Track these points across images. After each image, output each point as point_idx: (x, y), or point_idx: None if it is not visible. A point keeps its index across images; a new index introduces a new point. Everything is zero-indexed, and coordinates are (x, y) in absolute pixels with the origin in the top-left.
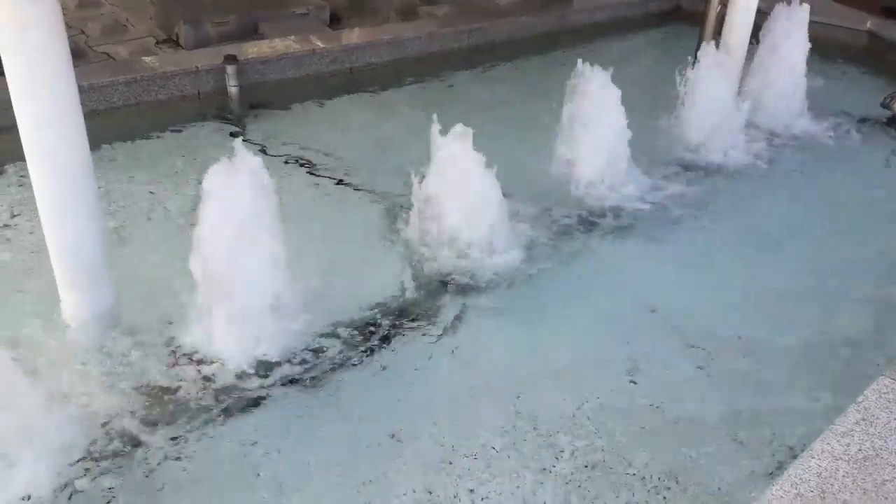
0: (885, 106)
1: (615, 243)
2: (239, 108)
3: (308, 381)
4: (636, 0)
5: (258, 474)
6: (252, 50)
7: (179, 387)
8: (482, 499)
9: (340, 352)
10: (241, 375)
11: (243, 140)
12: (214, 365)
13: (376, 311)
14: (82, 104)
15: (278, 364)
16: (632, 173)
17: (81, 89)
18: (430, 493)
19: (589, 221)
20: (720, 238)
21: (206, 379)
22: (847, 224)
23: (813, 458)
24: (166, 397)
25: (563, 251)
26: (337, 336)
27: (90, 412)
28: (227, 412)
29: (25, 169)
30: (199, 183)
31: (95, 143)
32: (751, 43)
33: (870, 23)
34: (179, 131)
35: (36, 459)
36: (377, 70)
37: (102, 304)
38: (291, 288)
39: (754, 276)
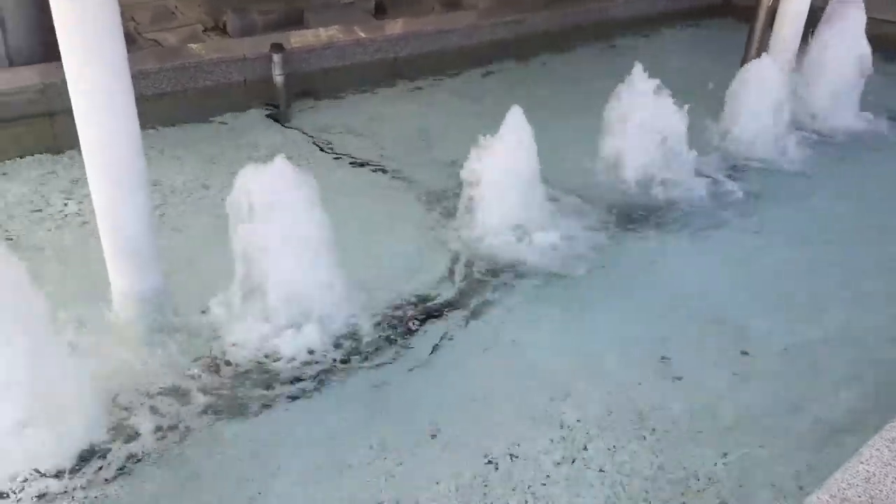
0: None
1: (661, 238)
2: (284, 97)
3: (342, 369)
4: None
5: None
6: (297, 39)
7: (219, 371)
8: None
9: (379, 338)
10: (279, 360)
11: (287, 128)
12: (253, 351)
13: (413, 299)
14: None
15: (316, 352)
16: (681, 169)
17: (131, 75)
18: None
19: (635, 215)
20: (768, 237)
21: (242, 365)
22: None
23: (862, 462)
24: (205, 380)
25: (609, 244)
26: (376, 323)
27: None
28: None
29: (78, 154)
30: (244, 169)
31: (142, 128)
32: (804, 38)
33: None
34: (225, 119)
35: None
36: (420, 60)
37: (150, 285)
38: (332, 275)
39: (804, 275)
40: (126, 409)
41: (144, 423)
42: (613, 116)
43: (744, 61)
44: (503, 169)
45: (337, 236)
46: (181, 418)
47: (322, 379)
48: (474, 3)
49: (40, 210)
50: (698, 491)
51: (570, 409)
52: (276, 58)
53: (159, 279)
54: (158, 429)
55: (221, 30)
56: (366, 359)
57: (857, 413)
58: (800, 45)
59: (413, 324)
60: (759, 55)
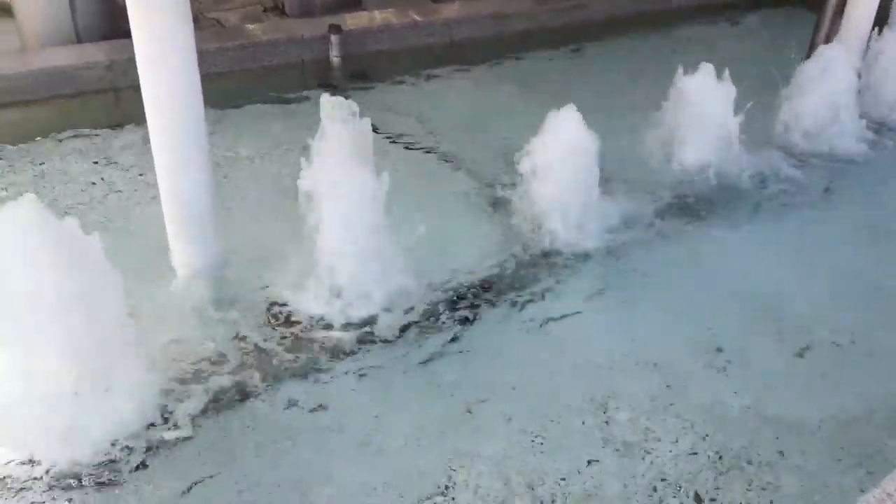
0: None
1: (718, 228)
2: (341, 78)
3: (397, 342)
4: None
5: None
6: (355, 21)
7: (277, 341)
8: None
9: (430, 317)
10: (332, 329)
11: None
12: (312, 322)
13: (466, 281)
14: None
15: (369, 324)
16: (741, 158)
17: None
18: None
19: (693, 204)
20: (830, 228)
21: (301, 335)
22: None
23: None
24: (263, 350)
25: (664, 233)
26: (428, 302)
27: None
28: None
29: (142, 128)
30: (301, 149)
31: None
32: (875, 27)
33: None
34: (283, 99)
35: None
36: (476, 44)
37: (210, 257)
38: (387, 255)
39: (865, 269)
40: (190, 373)
41: (199, 391)
42: (673, 105)
43: (811, 49)
44: (559, 155)
45: (390, 216)
46: (241, 382)
47: (371, 353)
48: None
49: (102, 183)
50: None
51: (611, 395)
52: (334, 39)
53: (219, 252)
54: (216, 397)
55: (280, 10)
56: (412, 335)
57: None
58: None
59: (461, 304)
60: (827, 43)
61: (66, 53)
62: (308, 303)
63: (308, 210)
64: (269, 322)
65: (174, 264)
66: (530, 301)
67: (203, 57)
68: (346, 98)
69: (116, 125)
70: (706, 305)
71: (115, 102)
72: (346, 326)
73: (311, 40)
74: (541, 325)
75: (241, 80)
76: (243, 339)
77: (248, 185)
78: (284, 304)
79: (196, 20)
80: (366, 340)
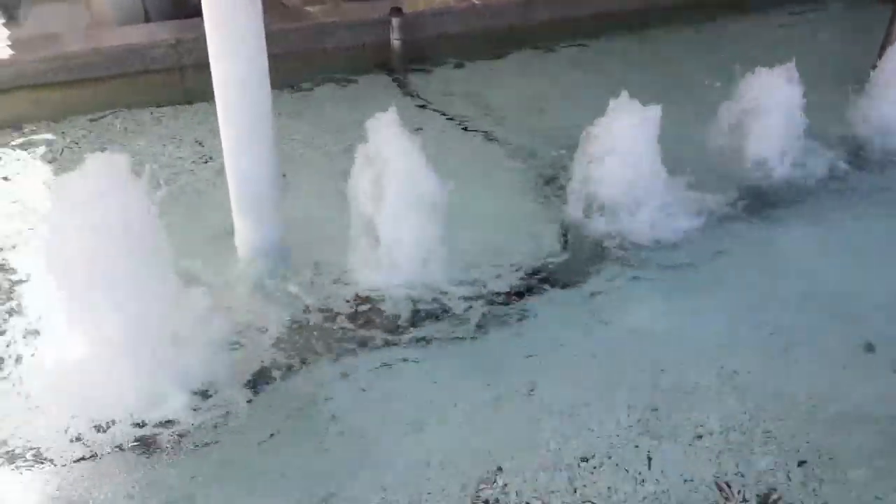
0: None
1: (785, 223)
2: (401, 61)
3: (454, 327)
4: None
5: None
6: (416, 3)
7: (338, 314)
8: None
9: (487, 302)
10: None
11: (403, 93)
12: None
13: (522, 267)
14: None
15: (427, 308)
16: (811, 153)
17: None
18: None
19: (759, 197)
20: None
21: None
22: None
23: None
24: (324, 322)
25: (728, 226)
26: (484, 287)
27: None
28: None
29: (207, 107)
30: (360, 132)
31: None
32: None
33: None
34: (343, 81)
35: None
36: (537, 28)
37: (272, 234)
38: (444, 239)
39: None
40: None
41: (260, 358)
42: (741, 96)
43: (885, 44)
44: (620, 142)
45: (444, 201)
46: (296, 354)
47: (430, 329)
48: None
49: (166, 158)
50: None
51: (663, 388)
52: (395, 21)
53: (281, 229)
54: (287, 366)
55: None
56: (470, 317)
57: None
58: None
59: (514, 290)
60: None
61: (134, 32)
62: (367, 279)
63: (366, 190)
64: (331, 296)
65: (237, 241)
66: (585, 290)
67: (266, 38)
68: (406, 80)
69: (182, 103)
70: (769, 301)
71: (182, 81)
72: (405, 303)
73: (372, 23)
74: (595, 315)
75: (302, 62)
76: (305, 311)
77: (306, 166)
78: (345, 280)
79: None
80: (425, 318)
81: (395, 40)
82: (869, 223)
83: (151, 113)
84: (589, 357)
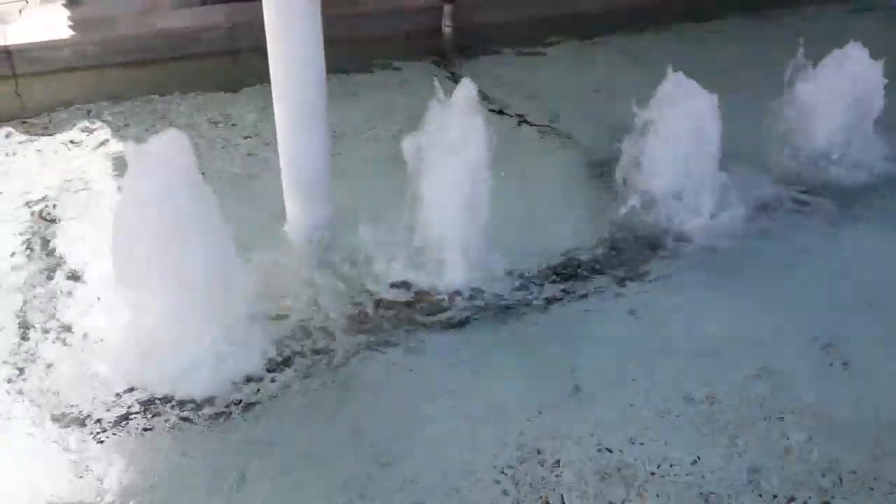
0: None
1: (842, 220)
2: (451, 49)
3: (499, 316)
4: None
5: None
6: None
7: (382, 299)
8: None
9: (530, 292)
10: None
11: (453, 80)
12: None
13: (571, 257)
14: None
15: (471, 297)
16: (875, 148)
17: None
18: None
19: (813, 193)
20: None
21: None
22: None
23: None
24: (369, 307)
25: (784, 221)
26: (527, 277)
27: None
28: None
29: (260, 90)
30: (410, 120)
31: None
32: None
33: None
34: (394, 67)
35: None
36: (593, 17)
37: (323, 219)
38: (494, 228)
39: None
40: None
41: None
42: (800, 89)
43: None
44: (673, 134)
45: (494, 188)
46: (345, 336)
47: (472, 322)
48: None
49: (219, 140)
50: None
51: (712, 387)
52: (447, 9)
53: (331, 214)
54: (317, 349)
55: None
56: (516, 308)
57: None
58: None
59: (560, 280)
60: None
61: (189, 15)
62: (412, 267)
63: (414, 178)
64: (376, 282)
65: (287, 226)
66: (634, 282)
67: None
68: (456, 68)
69: (235, 87)
70: (823, 300)
71: (235, 64)
72: (449, 292)
73: (424, 10)
74: (644, 308)
75: (353, 48)
76: (350, 297)
77: (356, 152)
78: (391, 267)
79: None
80: (471, 308)
81: (447, 27)
82: None
83: (205, 96)
84: (628, 353)
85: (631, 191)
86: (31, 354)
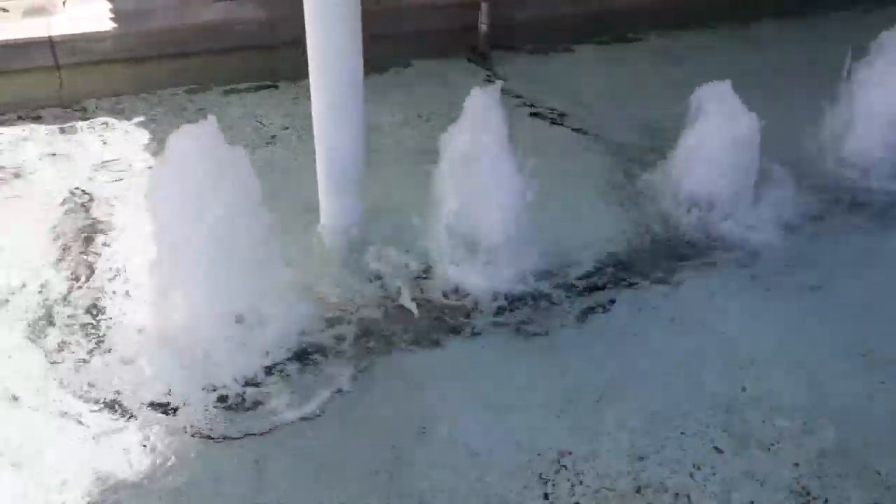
0: None
1: (879, 230)
2: (487, 47)
3: (525, 320)
4: None
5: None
6: None
7: (414, 296)
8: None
9: (562, 297)
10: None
11: (489, 78)
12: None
13: (601, 260)
14: None
15: (510, 296)
16: None
17: None
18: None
19: (853, 202)
20: None
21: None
22: None
23: None
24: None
25: (825, 229)
26: (562, 278)
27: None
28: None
29: (296, 85)
30: (445, 115)
31: None
32: None
33: None
34: (429, 64)
35: None
36: (628, 16)
37: (357, 213)
38: (524, 230)
39: None
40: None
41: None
42: (838, 94)
43: None
44: (714, 134)
45: (528, 188)
46: (380, 332)
47: (497, 325)
48: None
49: (256, 134)
50: None
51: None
52: (484, 6)
53: (365, 209)
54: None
55: None
56: (546, 309)
57: None
58: None
59: (593, 284)
60: None
61: (227, 8)
62: (445, 264)
63: (448, 175)
64: (409, 279)
65: (322, 220)
66: (668, 287)
67: None
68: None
69: (273, 80)
70: (861, 309)
71: (273, 58)
72: (487, 290)
73: (460, 7)
74: (677, 314)
75: (390, 44)
76: (384, 291)
77: (391, 148)
78: (423, 263)
79: None
80: (510, 306)
81: (483, 25)
82: None
83: (243, 89)
84: (662, 359)
85: (664, 194)
86: None
